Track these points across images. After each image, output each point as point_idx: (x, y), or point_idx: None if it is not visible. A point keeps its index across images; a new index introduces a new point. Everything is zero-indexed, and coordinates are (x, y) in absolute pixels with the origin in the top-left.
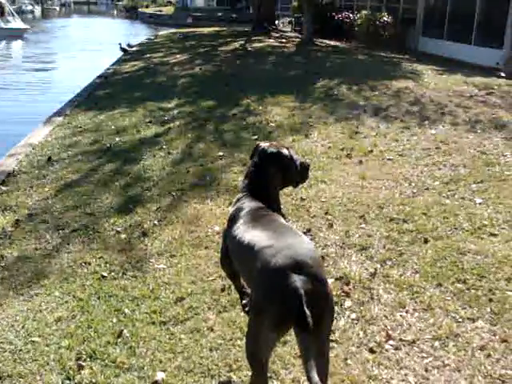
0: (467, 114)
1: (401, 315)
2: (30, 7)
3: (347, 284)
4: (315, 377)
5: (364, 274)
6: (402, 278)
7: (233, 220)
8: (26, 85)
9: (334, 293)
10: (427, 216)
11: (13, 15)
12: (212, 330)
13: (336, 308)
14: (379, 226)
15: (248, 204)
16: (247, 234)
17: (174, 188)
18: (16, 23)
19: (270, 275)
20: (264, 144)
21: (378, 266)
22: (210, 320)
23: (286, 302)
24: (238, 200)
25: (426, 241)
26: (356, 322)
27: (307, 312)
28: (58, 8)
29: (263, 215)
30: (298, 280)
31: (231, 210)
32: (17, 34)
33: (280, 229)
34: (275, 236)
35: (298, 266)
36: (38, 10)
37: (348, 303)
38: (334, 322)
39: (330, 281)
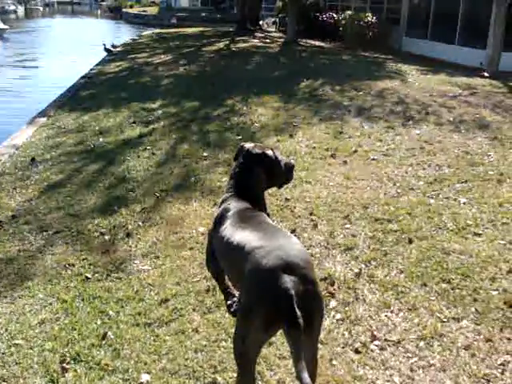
0: (451, 114)
1: (386, 315)
2: (12, 7)
3: (332, 284)
4: (307, 377)
5: (349, 275)
6: (387, 278)
7: (219, 221)
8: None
9: None
10: (412, 216)
11: None
12: (197, 331)
13: None
14: (364, 226)
15: (235, 205)
16: (236, 234)
17: (158, 189)
18: None
19: (260, 276)
20: (249, 145)
21: (363, 266)
22: (194, 321)
23: (277, 303)
24: (224, 201)
25: (410, 241)
26: (341, 322)
27: (298, 312)
28: (41, 8)
29: (251, 216)
30: (288, 281)
31: (217, 210)
32: None
33: (270, 230)
34: (266, 237)
35: (289, 267)
36: (21, 9)
37: (333, 303)
38: None
39: None
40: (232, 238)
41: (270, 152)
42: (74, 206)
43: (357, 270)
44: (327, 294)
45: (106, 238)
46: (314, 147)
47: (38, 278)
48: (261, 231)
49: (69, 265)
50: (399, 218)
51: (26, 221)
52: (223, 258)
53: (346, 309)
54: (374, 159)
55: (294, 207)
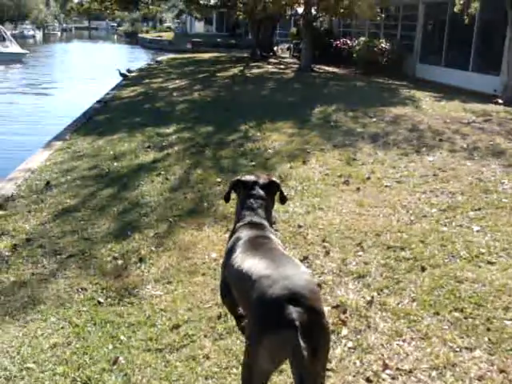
0: (465, 140)
1: (398, 344)
2: (31, 32)
3: (344, 312)
4: None
5: (361, 302)
6: (399, 306)
7: (231, 250)
8: (22, 109)
9: (331, 321)
10: (424, 244)
11: (10, 40)
12: (208, 357)
13: (332, 337)
14: (376, 253)
15: (246, 233)
16: (246, 262)
17: (171, 214)
18: (14, 48)
19: (266, 306)
20: (249, 177)
21: (375, 294)
22: (205, 348)
23: (282, 334)
24: (236, 231)
25: (423, 269)
26: (353, 350)
27: (302, 344)
28: (59, 33)
29: (262, 243)
30: (294, 312)
31: (229, 241)
32: (16, 58)
33: (279, 258)
34: (273, 266)
35: (295, 298)
36: (39, 34)
37: (344, 332)
38: (331, 350)
39: (326, 309)
40: (242, 266)
41: (276, 179)
42: (88, 229)
43: (369, 298)
44: (339, 322)
45: (119, 262)
46: (327, 174)
47: (51, 302)
48: (269, 259)
49: (81, 289)
50: (412, 245)
51: (40, 244)
52: (234, 286)
53: (358, 337)
54: (387, 186)
55: (307, 234)
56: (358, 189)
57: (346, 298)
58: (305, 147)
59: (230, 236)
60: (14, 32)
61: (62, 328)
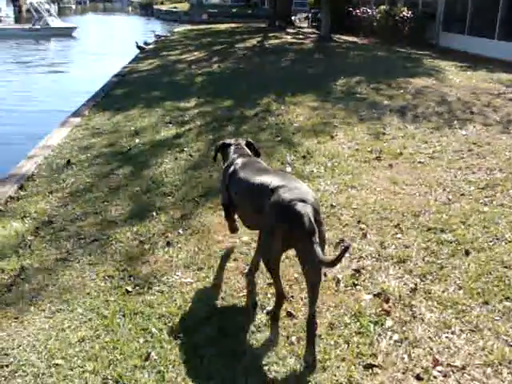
0: (497, 113)
1: (447, 337)
2: (46, 6)
3: (387, 301)
4: (323, 256)
5: (404, 290)
6: (445, 294)
7: (234, 173)
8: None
9: (373, 310)
10: (466, 225)
11: (54, 16)
12: (245, 352)
13: (377, 328)
14: (416, 236)
15: (241, 160)
16: (257, 178)
17: (197, 194)
18: (58, 22)
19: (284, 204)
20: (229, 140)
21: (418, 280)
22: (243, 341)
23: (295, 220)
24: (230, 163)
25: (467, 253)
26: (399, 344)
27: (314, 224)
28: (73, 6)
29: (261, 164)
30: (302, 206)
31: (226, 169)
32: (67, 33)
33: (287, 176)
34: (285, 180)
35: (303, 200)
36: (54, 8)
37: (389, 323)
38: (376, 343)
39: (368, 297)
40: (254, 180)
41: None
42: (111, 211)
43: (412, 285)
44: (382, 312)
45: (146, 247)
46: (357, 149)
47: (77, 291)
48: (280, 176)
49: (108, 276)
50: (453, 227)
51: (62, 227)
52: (241, 194)
53: (404, 329)
54: (420, 162)
55: (341, 214)
56: (391, 165)
57: (387, 285)
58: (330, 121)
59: (225, 169)
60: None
61: (90, 320)
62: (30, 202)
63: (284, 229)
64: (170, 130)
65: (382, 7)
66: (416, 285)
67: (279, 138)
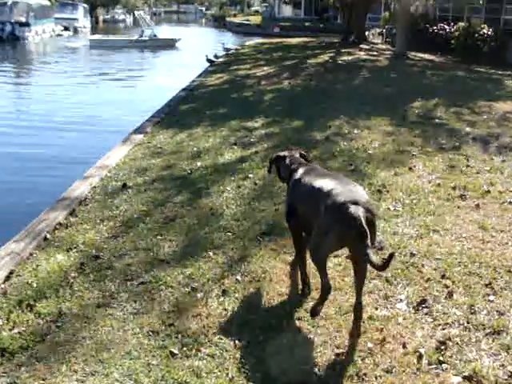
0: None
1: None
2: (122, 16)
3: None
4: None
5: (500, 374)
6: None
7: (295, 184)
8: None
9: None
10: None
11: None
12: None
13: None
14: None
15: (301, 169)
16: (316, 182)
17: (259, 231)
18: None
19: (337, 206)
20: (284, 152)
21: None
22: None
23: (349, 222)
24: (292, 175)
25: None
26: None
27: (365, 227)
28: (148, 17)
29: (320, 170)
30: (356, 209)
31: (290, 183)
32: (170, 44)
33: (344, 179)
34: (341, 184)
35: (356, 202)
36: (129, 19)
37: None
38: None
39: (456, 379)
40: (313, 185)
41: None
42: (164, 247)
43: (511, 368)
44: None
45: (199, 295)
46: (439, 184)
47: (115, 348)
48: (337, 179)
49: (152, 332)
50: None
51: (109, 264)
52: (303, 203)
53: None
54: (511, 203)
55: (422, 266)
56: (477, 206)
57: (479, 364)
58: (407, 149)
59: (288, 183)
60: (105, 17)
61: None
62: (79, 231)
63: (337, 230)
64: (235, 153)
65: (461, 24)
66: None
67: (352, 167)
